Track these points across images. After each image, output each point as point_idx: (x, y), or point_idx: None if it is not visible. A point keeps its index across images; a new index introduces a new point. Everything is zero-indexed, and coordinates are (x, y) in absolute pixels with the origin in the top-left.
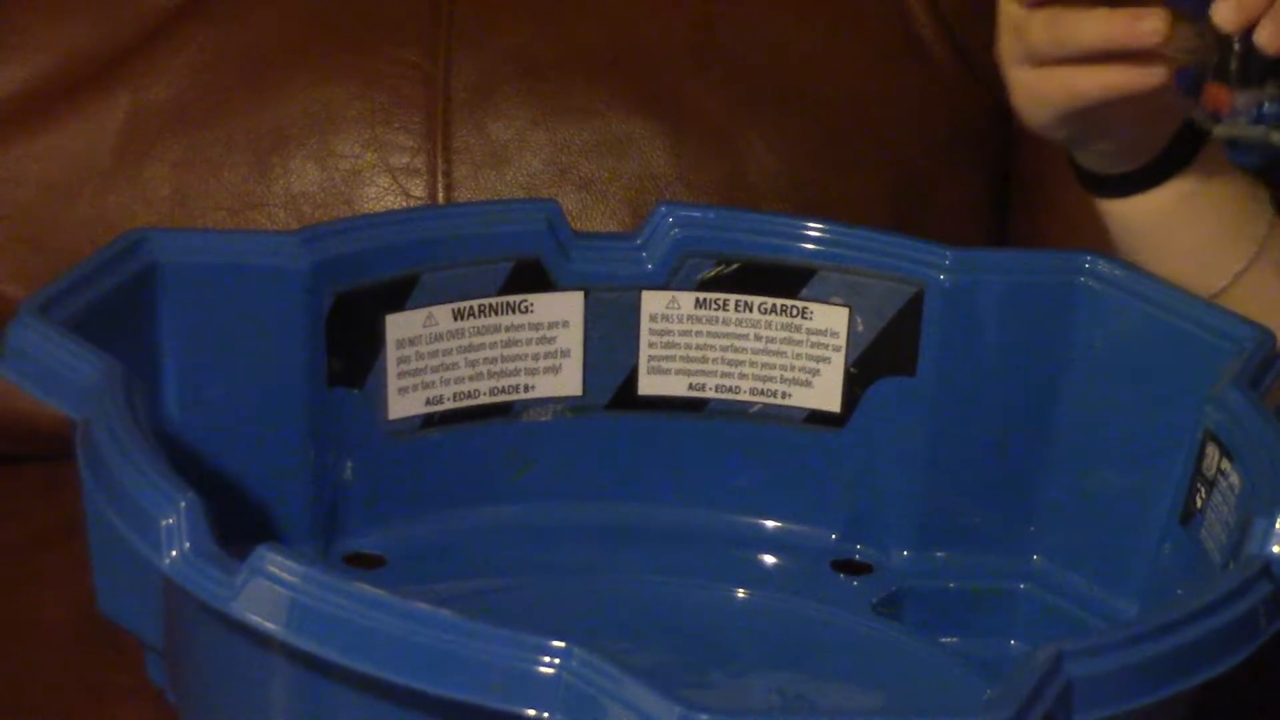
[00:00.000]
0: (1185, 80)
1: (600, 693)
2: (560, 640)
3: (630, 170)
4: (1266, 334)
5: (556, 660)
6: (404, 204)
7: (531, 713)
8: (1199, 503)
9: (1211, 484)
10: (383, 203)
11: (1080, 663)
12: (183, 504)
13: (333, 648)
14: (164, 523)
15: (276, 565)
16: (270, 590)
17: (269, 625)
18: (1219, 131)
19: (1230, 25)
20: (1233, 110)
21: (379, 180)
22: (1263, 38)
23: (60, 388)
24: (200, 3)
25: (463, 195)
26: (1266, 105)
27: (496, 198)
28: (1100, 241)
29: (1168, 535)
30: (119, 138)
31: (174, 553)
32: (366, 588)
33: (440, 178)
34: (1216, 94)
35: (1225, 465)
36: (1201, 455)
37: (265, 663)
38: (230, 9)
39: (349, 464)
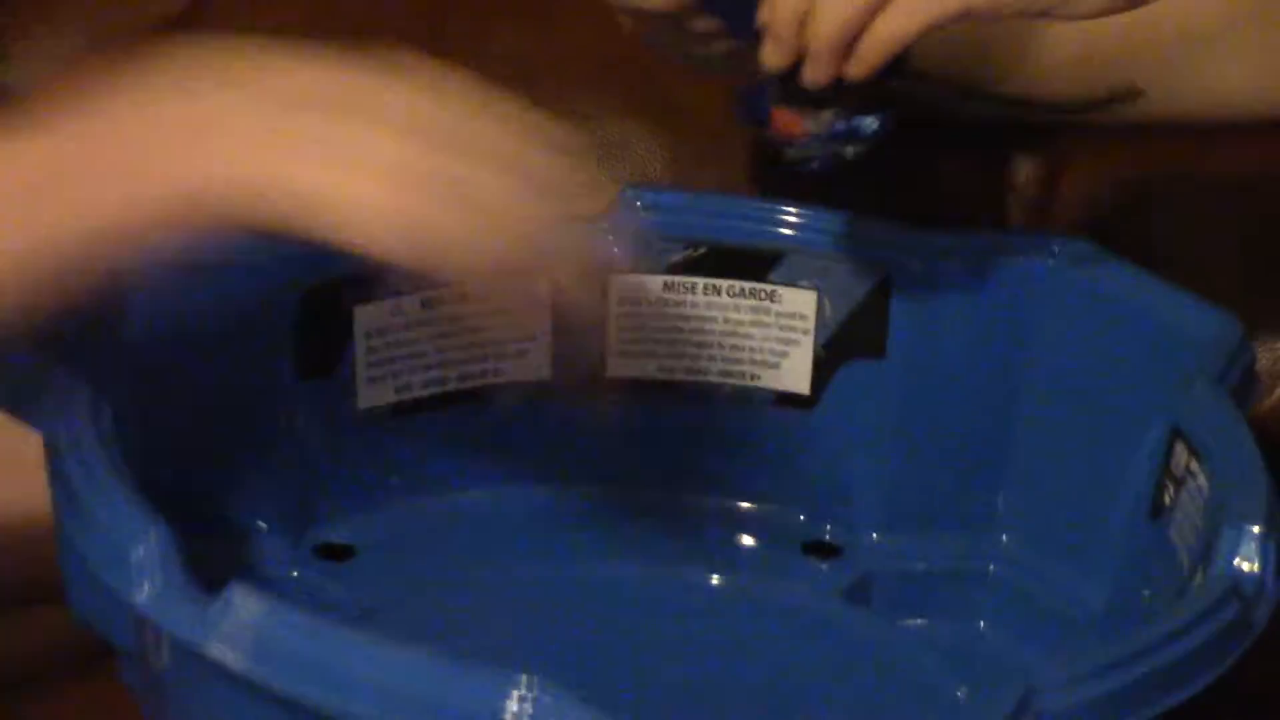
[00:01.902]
0: (749, 104)
1: None
2: (527, 678)
3: (627, 174)
4: (1234, 321)
5: (529, 695)
6: None
7: None
8: (1168, 500)
9: (1180, 483)
10: None
11: (1050, 698)
12: (152, 535)
13: (302, 685)
14: (134, 555)
15: (248, 602)
16: (242, 627)
17: (240, 663)
18: (793, 155)
19: (774, 66)
20: (805, 134)
21: None
22: (806, 76)
23: (24, 402)
24: (197, 10)
25: None
26: (838, 125)
27: None
28: (1116, 201)
29: (1136, 526)
30: None
31: (146, 587)
32: (338, 627)
33: None
34: (786, 120)
35: (1193, 465)
36: (1170, 453)
37: (236, 698)
38: (225, 17)
39: (320, 454)
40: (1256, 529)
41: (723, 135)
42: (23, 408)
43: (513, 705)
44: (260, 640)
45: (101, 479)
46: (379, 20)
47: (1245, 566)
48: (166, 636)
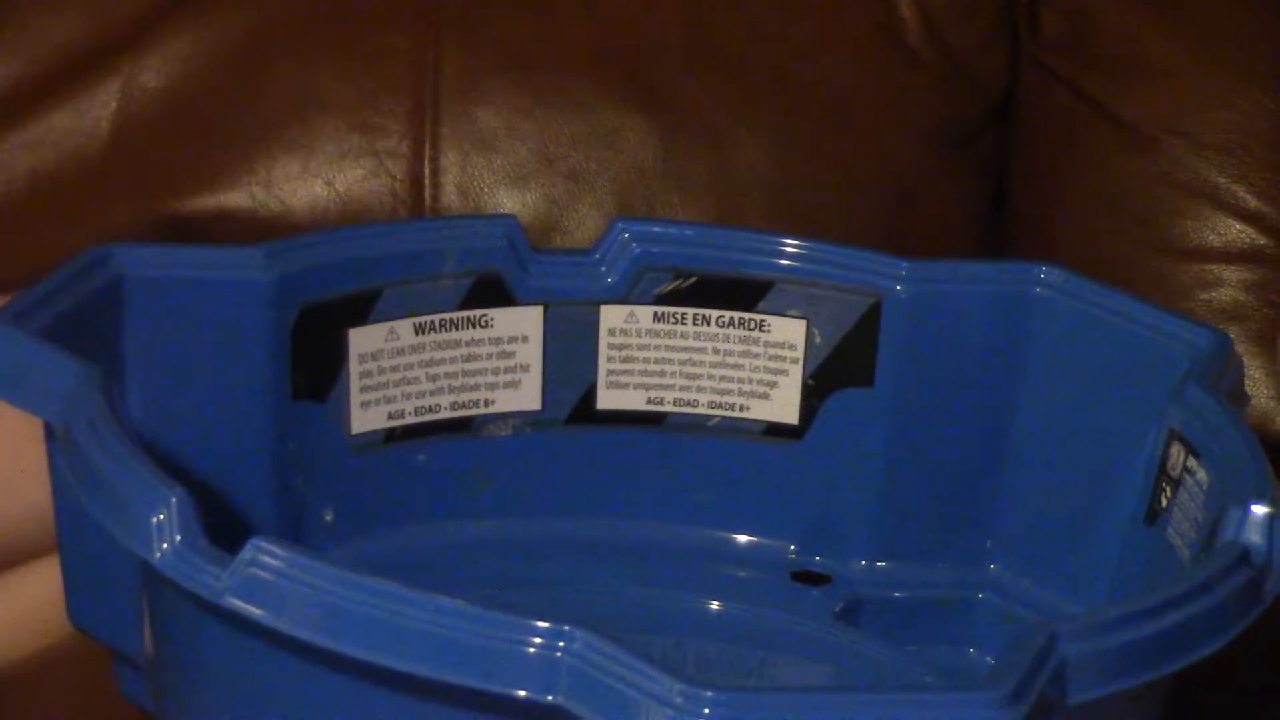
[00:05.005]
0: None
1: (603, 673)
2: (562, 623)
3: (619, 162)
4: (1223, 337)
5: (559, 643)
6: (389, 186)
7: (522, 693)
8: (1164, 502)
9: (1177, 483)
10: (366, 186)
11: (1074, 642)
12: (173, 500)
13: (327, 636)
14: (154, 519)
15: (269, 556)
16: (264, 580)
17: (264, 616)
18: None
19: None
20: None
21: (364, 162)
22: None
23: (37, 394)
24: None
25: (449, 181)
26: None
27: (483, 184)
28: (1113, 227)
29: (1131, 537)
30: (110, 127)
31: (165, 546)
32: (359, 575)
33: (427, 163)
34: None
35: (1192, 463)
36: (1166, 455)
37: (259, 655)
38: (225, 2)
39: (313, 478)
40: (1262, 508)
41: (716, 126)
42: (25, 393)
43: (547, 649)
44: (281, 591)
45: (118, 450)
46: (374, 8)
47: (1253, 539)
48: (186, 597)
